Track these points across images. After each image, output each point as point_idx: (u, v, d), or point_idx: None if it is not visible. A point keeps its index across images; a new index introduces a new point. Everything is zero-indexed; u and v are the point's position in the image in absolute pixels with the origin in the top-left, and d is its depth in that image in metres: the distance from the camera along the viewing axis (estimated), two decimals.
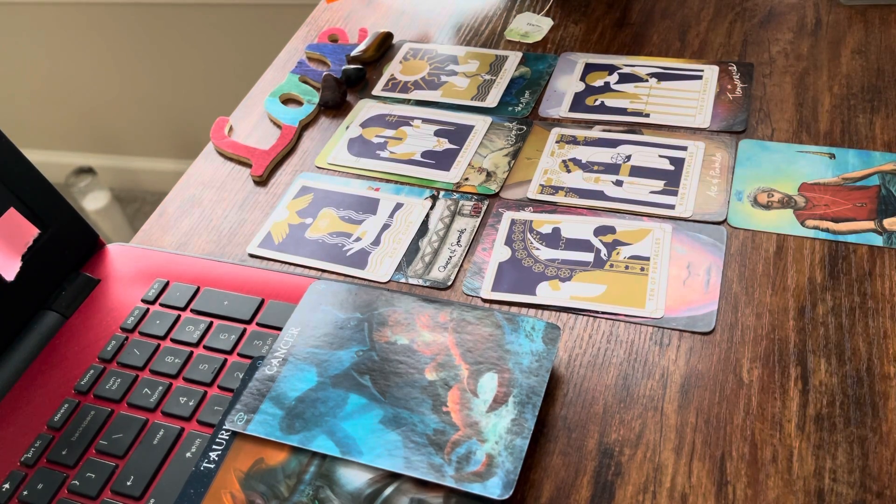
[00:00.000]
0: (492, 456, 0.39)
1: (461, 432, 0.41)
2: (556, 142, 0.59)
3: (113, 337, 0.50)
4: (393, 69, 0.69)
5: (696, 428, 0.42)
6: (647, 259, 0.50)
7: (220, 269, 0.53)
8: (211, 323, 0.49)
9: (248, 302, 0.50)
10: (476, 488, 0.38)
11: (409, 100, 0.66)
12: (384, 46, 0.71)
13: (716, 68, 0.63)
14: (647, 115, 0.60)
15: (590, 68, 0.65)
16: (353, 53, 0.70)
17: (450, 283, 0.51)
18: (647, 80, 0.63)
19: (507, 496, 0.38)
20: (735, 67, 0.63)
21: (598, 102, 0.62)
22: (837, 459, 0.40)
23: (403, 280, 0.52)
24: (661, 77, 0.63)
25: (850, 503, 0.38)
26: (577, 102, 0.63)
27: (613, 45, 0.68)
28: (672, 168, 0.56)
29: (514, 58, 0.68)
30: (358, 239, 0.55)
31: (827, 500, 0.38)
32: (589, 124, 0.61)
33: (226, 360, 0.47)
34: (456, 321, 0.46)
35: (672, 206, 0.53)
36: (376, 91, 0.67)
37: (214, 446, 0.42)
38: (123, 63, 1.54)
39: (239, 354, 0.47)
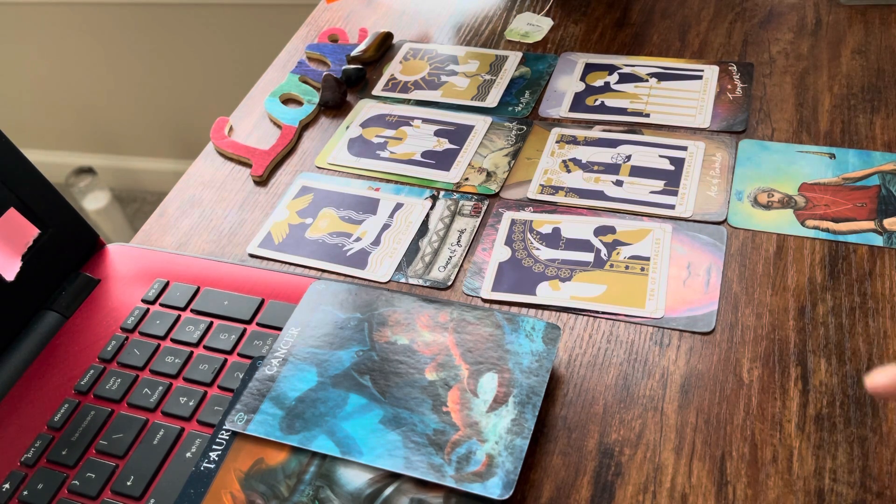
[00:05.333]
0: (492, 456, 0.39)
1: (461, 432, 0.41)
2: (556, 142, 0.59)
3: (113, 337, 0.50)
4: (393, 69, 0.69)
5: (697, 428, 0.42)
6: (647, 259, 0.50)
7: (220, 269, 0.53)
8: (211, 323, 0.49)
9: (248, 302, 0.50)
10: (476, 488, 0.38)
11: (409, 100, 0.66)
12: (384, 46, 0.71)
13: (716, 68, 0.63)
14: (648, 115, 0.60)
15: (590, 68, 0.65)
16: (353, 53, 0.70)
17: (450, 283, 0.51)
18: (647, 80, 0.63)
19: (507, 496, 0.38)
20: (735, 67, 0.63)
21: (598, 102, 0.62)
22: (837, 459, 0.40)
23: (403, 280, 0.52)
24: (661, 77, 0.63)
25: (851, 503, 0.38)
26: (577, 102, 0.63)
27: (613, 45, 0.68)
28: (672, 168, 0.56)
29: (514, 58, 0.68)
30: (358, 239, 0.55)
31: (827, 500, 0.38)
32: (589, 124, 0.61)
33: (226, 360, 0.47)
34: (456, 321, 0.46)
35: (672, 206, 0.53)
36: (376, 91, 0.67)
37: (214, 446, 0.42)
38: (123, 63, 1.54)
39: (239, 354, 0.47)
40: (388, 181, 0.59)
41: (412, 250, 0.53)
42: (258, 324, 0.49)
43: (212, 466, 0.41)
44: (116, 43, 1.51)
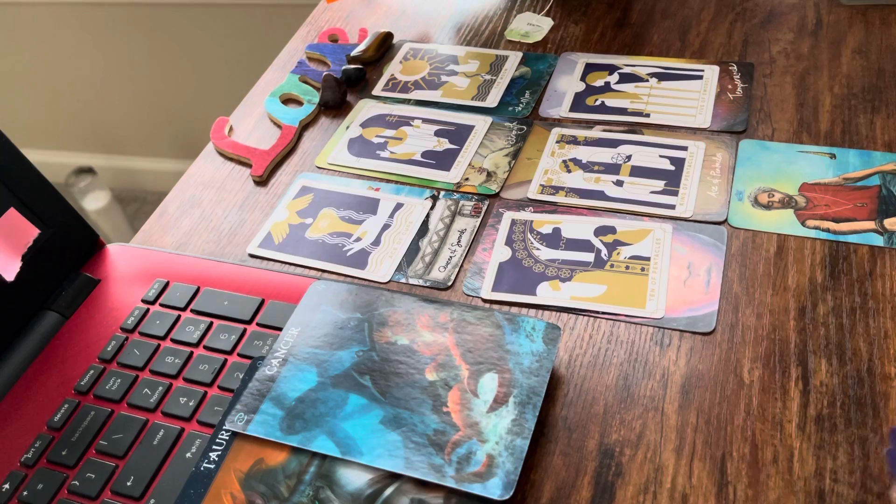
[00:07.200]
0: (492, 456, 0.39)
1: (461, 433, 0.41)
2: (557, 142, 0.59)
3: (113, 337, 0.50)
4: (393, 69, 0.69)
5: (697, 428, 0.42)
6: (648, 259, 0.50)
7: (220, 269, 0.53)
8: (211, 323, 0.49)
9: (248, 302, 0.50)
10: (476, 489, 0.38)
11: (410, 100, 0.66)
12: (384, 46, 0.71)
13: (716, 68, 0.63)
14: (648, 115, 0.60)
15: (590, 68, 0.65)
16: (353, 53, 0.70)
17: (450, 284, 0.51)
18: (647, 80, 0.63)
19: (507, 496, 0.38)
20: (735, 67, 0.63)
21: (598, 102, 0.62)
22: (838, 460, 0.40)
23: (403, 280, 0.52)
24: (661, 77, 0.63)
25: None
26: (578, 102, 0.63)
27: (614, 45, 0.68)
28: (672, 168, 0.56)
29: (515, 58, 0.68)
30: (358, 239, 0.55)
31: (827, 501, 0.38)
32: (589, 124, 0.61)
33: (226, 361, 0.47)
34: (456, 321, 0.46)
35: (672, 207, 0.53)
36: (376, 91, 0.67)
37: (214, 446, 0.42)
38: (124, 63, 1.54)
39: (239, 355, 0.47)
40: (388, 181, 0.59)
41: (412, 250, 0.53)
42: (258, 324, 0.49)
43: (212, 467, 0.41)
44: (116, 43, 1.51)
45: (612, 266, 0.50)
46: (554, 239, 0.53)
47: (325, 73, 0.67)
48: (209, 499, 0.40)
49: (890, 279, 0.47)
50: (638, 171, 0.56)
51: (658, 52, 0.66)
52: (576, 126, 0.61)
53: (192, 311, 0.50)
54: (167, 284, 0.52)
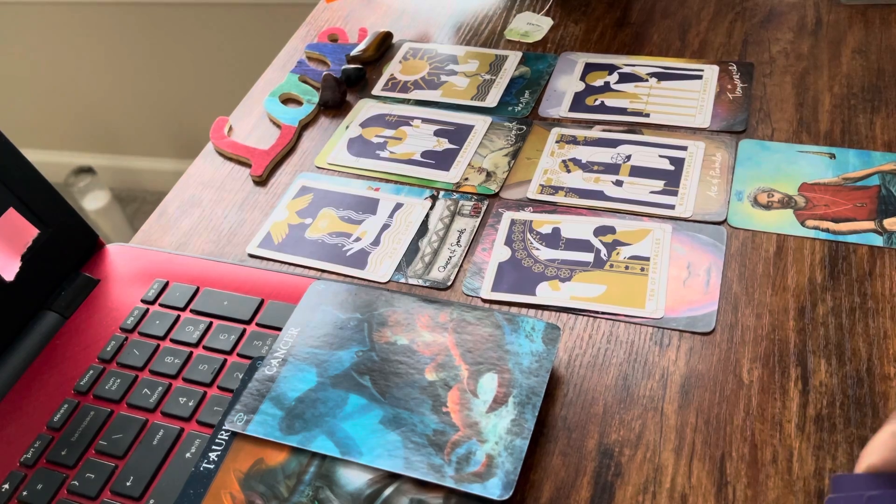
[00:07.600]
0: (492, 456, 0.39)
1: (461, 433, 0.41)
2: (556, 142, 0.59)
3: (113, 337, 0.50)
4: (393, 69, 0.69)
5: (696, 428, 0.42)
6: (647, 259, 0.50)
7: (219, 269, 0.53)
8: (211, 323, 0.49)
9: (248, 302, 0.50)
10: (476, 489, 0.38)
11: (409, 100, 0.66)
12: (384, 46, 0.71)
13: (716, 68, 0.63)
14: (647, 115, 0.60)
15: (590, 68, 0.65)
16: (353, 53, 0.70)
17: (450, 284, 0.51)
18: (647, 80, 0.63)
19: (506, 497, 0.38)
20: (735, 67, 0.63)
21: (598, 102, 0.62)
22: (837, 460, 0.40)
23: (403, 280, 0.52)
24: (661, 77, 0.63)
25: None
26: (577, 102, 0.63)
27: (613, 45, 0.68)
28: (672, 168, 0.56)
29: (514, 57, 0.68)
30: (358, 239, 0.55)
31: None
32: (589, 124, 0.61)
33: (225, 361, 0.47)
34: (456, 321, 0.46)
35: (672, 207, 0.53)
36: (376, 91, 0.67)
37: (214, 447, 0.42)
38: (123, 63, 1.54)
39: (239, 355, 0.47)
40: (387, 181, 0.59)
41: (412, 250, 0.53)
42: (258, 324, 0.49)
43: (211, 467, 0.41)
44: (116, 43, 1.51)
45: (611, 266, 0.50)
46: (553, 239, 0.53)
47: (324, 73, 0.67)
48: (209, 499, 0.40)
49: (889, 279, 0.47)
50: (637, 171, 0.56)
51: (658, 52, 0.66)
52: (575, 126, 0.61)
53: (191, 311, 0.50)
54: (167, 284, 0.52)
